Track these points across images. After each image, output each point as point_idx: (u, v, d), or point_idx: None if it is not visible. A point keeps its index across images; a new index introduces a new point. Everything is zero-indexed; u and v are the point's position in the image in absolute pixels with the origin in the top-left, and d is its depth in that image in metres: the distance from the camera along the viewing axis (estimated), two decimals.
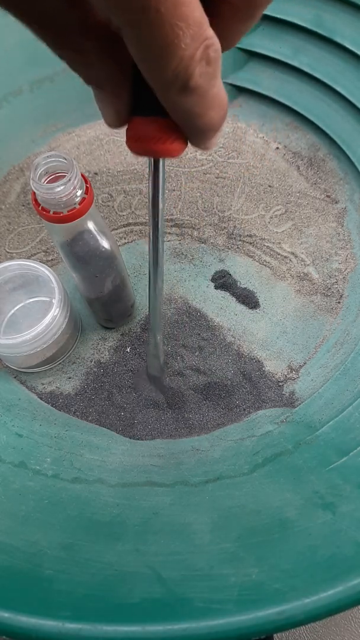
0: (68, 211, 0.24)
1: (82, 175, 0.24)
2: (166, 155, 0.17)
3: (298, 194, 0.41)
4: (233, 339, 0.35)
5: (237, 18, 0.15)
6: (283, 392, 0.33)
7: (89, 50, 0.15)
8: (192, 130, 0.16)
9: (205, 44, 0.12)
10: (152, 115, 0.16)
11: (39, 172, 0.23)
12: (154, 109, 0.16)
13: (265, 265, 0.38)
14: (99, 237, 0.27)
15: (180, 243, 0.39)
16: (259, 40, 0.42)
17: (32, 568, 0.20)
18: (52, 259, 0.39)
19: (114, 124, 0.17)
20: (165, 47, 0.12)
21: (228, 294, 0.37)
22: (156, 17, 0.11)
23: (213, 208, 0.41)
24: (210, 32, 0.12)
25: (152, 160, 0.19)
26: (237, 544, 0.21)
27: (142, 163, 0.43)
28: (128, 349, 0.35)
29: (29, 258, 0.39)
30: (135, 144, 0.17)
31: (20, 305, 0.35)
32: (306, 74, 0.41)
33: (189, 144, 0.17)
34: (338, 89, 0.40)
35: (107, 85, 0.16)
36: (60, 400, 0.33)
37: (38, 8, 0.13)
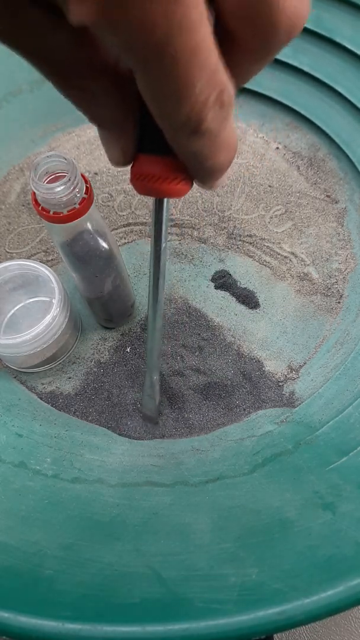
0: (68, 211, 0.24)
1: (82, 175, 0.24)
2: (171, 196, 0.17)
3: (298, 194, 0.41)
4: (233, 339, 0.35)
5: (251, 60, 0.14)
6: (283, 392, 0.33)
7: (96, 90, 0.14)
8: (199, 171, 0.16)
9: (219, 89, 0.12)
10: (158, 154, 0.16)
11: (39, 172, 0.23)
12: (161, 148, 0.15)
13: (265, 265, 0.38)
14: (98, 237, 0.27)
15: (180, 243, 0.39)
16: None
17: (32, 568, 0.20)
18: (52, 259, 0.39)
19: (119, 162, 0.17)
20: (179, 91, 0.12)
21: (228, 294, 0.37)
22: (172, 63, 0.11)
23: (213, 208, 0.41)
24: (225, 77, 0.12)
25: (156, 199, 0.19)
26: (237, 544, 0.21)
27: None
28: (128, 349, 0.35)
29: (29, 258, 0.39)
30: (140, 183, 0.17)
31: (20, 305, 0.35)
32: (306, 74, 0.41)
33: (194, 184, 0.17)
34: (338, 89, 0.40)
35: (113, 125, 0.16)
36: (60, 400, 0.33)
37: (44, 47, 0.13)
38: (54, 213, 0.24)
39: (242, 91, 0.45)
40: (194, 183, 0.17)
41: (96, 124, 0.16)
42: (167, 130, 0.13)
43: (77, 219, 0.24)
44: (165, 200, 0.19)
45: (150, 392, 0.30)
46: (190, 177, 0.16)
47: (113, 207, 0.41)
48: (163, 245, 0.20)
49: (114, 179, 0.42)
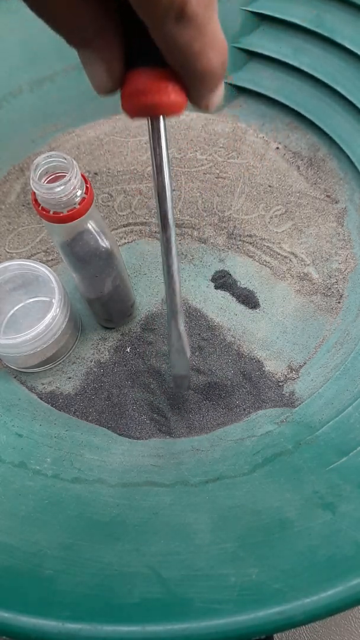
0: (68, 211, 0.24)
1: (82, 175, 0.24)
2: (165, 110, 0.16)
3: (298, 194, 0.41)
4: (233, 339, 0.35)
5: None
6: (283, 392, 0.33)
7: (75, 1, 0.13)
8: (191, 75, 0.15)
9: None
10: (147, 66, 0.15)
11: (39, 172, 0.23)
12: (149, 59, 0.14)
13: (265, 265, 0.38)
14: (99, 237, 0.27)
15: (180, 243, 0.39)
16: (259, 40, 0.42)
17: (32, 568, 0.20)
18: (52, 259, 0.39)
19: (107, 85, 0.16)
20: None
21: (228, 294, 0.37)
22: None
23: (213, 208, 0.41)
24: None
25: (151, 122, 0.17)
26: (237, 544, 0.21)
27: (142, 163, 0.43)
28: (128, 349, 0.35)
29: (29, 258, 0.39)
30: (131, 101, 0.16)
31: (20, 305, 0.35)
32: (306, 74, 0.41)
33: (191, 105, 0.16)
34: (338, 89, 0.40)
35: (96, 38, 0.15)
36: (60, 400, 0.33)
37: None
38: (54, 213, 0.24)
39: (242, 91, 0.45)
40: (190, 101, 0.16)
41: (77, 43, 0.15)
42: (153, 22, 0.13)
43: (77, 219, 0.24)
44: (162, 120, 0.17)
45: (179, 346, 0.24)
46: (183, 88, 0.16)
47: (113, 207, 0.41)
48: (167, 173, 0.18)
49: (114, 179, 0.42)
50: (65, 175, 0.23)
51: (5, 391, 0.33)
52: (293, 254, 0.39)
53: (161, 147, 0.18)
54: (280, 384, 0.34)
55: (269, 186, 0.42)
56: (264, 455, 0.28)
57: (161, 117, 0.17)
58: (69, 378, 0.34)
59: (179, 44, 0.13)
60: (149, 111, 0.16)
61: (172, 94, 0.16)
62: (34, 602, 0.18)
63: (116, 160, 0.43)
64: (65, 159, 0.23)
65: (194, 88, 0.16)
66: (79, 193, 0.24)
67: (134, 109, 0.16)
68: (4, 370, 0.34)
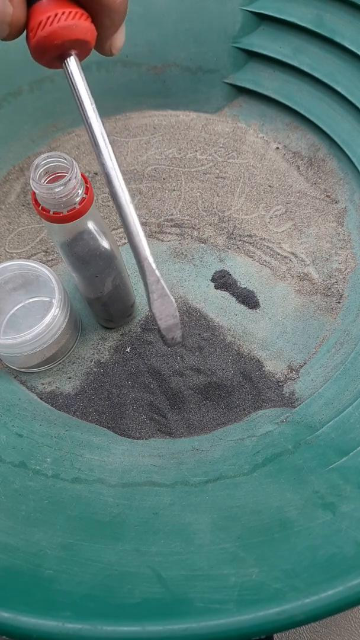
0: (68, 211, 0.24)
1: (82, 175, 0.24)
2: (74, 36, 0.16)
3: (298, 194, 0.41)
4: (233, 339, 0.35)
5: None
6: (283, 392, 0.33)
7: None
8: (97, 9, 0.15)
9: None
10: None
11: (39, 172, 0.23)
12: None
13: (265, 265, 0.38)
14: (99, 237, 0.27)
15: (180, 243, 0.39)
16: (259, 40, 0.42)
17: (33, 568, 0.20)
18: (52, 259, 0.39)
19: (11, 22, 0.16)
20: None
21: (228, 294, 0.37)
22: None
23: (213, 208, 0.41)
24: None
25: (65, 64, 0.18)
26: (238, 544, 0.21)
27: (142, 163, 0.43)
28: (128, 349, 0.35)
29: (29, 258, 0.39)
30: (39, 36, 0.16)
31: (20, 305, 0.35)
32: (306, 74, 0.41)
33: (97, 52, 0.17)
34: (338, 89, 0.40)
35: None
36: (60, 400, 0.33)
37: None
38: (54, 213, 0.24)
39: (242, 91, 0.45)
40: (96, 48, 0.17)
41: None
42: None
43: (77, 219, 0.24)
44: (74, 60, 0.18)
45: (158, 290, 0.21)
46: (87, 14, 0.16)
47: (113, 207, 0.41)
48: (92, 114, 0.18)
49: None
50: (65, 175, 0.23)
51: (5, 391, 0.33)
52: (293, 254, 0.39)
53: (78, 90, 0.18)
54: (280, 384, 0.34)
55: (269, 186, 0.42)
56: (264, 455, 0.28)
57: (72, 58, 0.18)
58: (69, 378, 0.34)
59: None
60: (59, 40, 0.16)
61: (77, 17, 0.16)
62: (34, 602, 0.18)
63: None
64: (65, 159, 0.23)
65: (100, 25, 0.16)
66: (79, 193, 0.24)
67: (42, 45, 0.16)
68: (4, 370, 0.34)
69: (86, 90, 0.18)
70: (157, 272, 0.21)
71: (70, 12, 0.16)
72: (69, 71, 0.18)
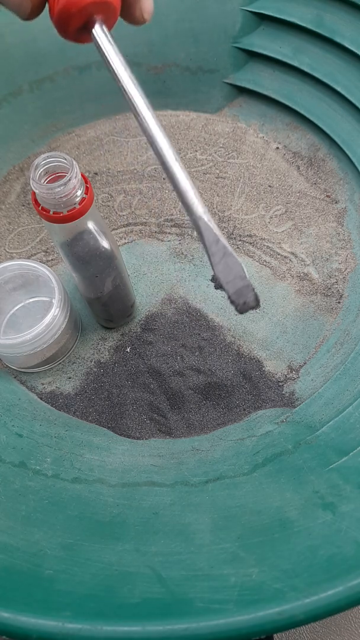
0: (68, 211, 0.24)
1: (82, 175, 0.24)
2: (98, 7, 0.16)
3: (298, 194, 0.41)
4: (233, 339, 0.35)
5: None
6: (283, 392, 0.33)
7: None
8: None
9: None
10: None
11: (39, 172, 0.23)
12: None
13: (265, 265, 0.38)
14: (99, 237, 0.27)
15: (180, 243, 0.39)
16: (259, 40, 0.42)
17: (33, 568, 0.20)
18: (52, 259, 0.39)
19: (31, 1, 0.16)
20: None
21: None
22: None
23: (213, 208, 0.41)
24: None
25: (93, 34, 0.17)
26: (238, 544, 0.21)
27: (142, 163, 0.43)
28: (128, 349, 0.35)
29: (29, 258, 0.39)
30: (58, 7, 0.16)
31: (20, 305, 0.35)
32: (306, 74, 0.41)
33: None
34: (338, 89, 0.40)
35: None
36: (60, 400, 0.33)
37: None
38: (54, 213, 0.24)
39: (242, 91, 0.45)
40: (124, 16, 0.16)
41: None
42: None
43: (77, 219, 0.24)
44: (101, 28, 0.17)
45: (219, 250, 0.19)
46: None
47: (113, 207, 0.41)
48: (126, 77, 0.17)
49: (114, 179, 0.42)
50: (65, 175, 0.23)
51: (5, 391, 0.33)
52: (293, 254, 0.39)
53: (110, 58, 0.17)
54: (280, 384, 0.34)
55: (269, 186, 0.42)
56: (264, 455, 0.28)
57: (98, 26, 0.17)
58: (69, 378, 0.34)
59: None
60: (81, 3, 0.16)
61: None
62: (34, 602, 0.18)
63: (116, 160, 0.43)
64: (65, 159, 0.23)
65: None
66: (79, 193, 0.23)
67: (65, 14, 0.16)
68: (4, 370, 0.34)
69: (118, 57, 0.17)
70: (215, 230, 0.19)
71: None
72: (97, 40, 0.17)
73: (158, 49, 0.43)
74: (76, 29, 0.17)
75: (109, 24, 0.18)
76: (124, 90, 0.17)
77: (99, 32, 0.17)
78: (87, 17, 0.17)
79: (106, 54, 0.17)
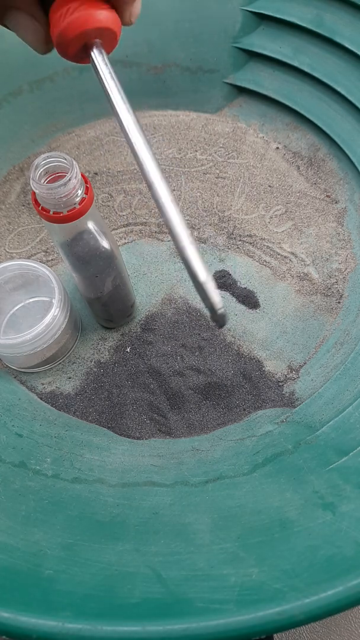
0: (68, 211, 0.24)
1: (82, 175, 0.24)
2: (93, 24, 0.16)
3: (298, 194, 0.41)
4: (233, 339, 0.35)
5: None
6: (283, 392, 0.33)
7: None
8: None
9: None
10: None
11: (39, 172, 0.23)
12: None
13: (265, 265, 0.38)
14: (99, 237, 0.27)
15: None
16: (259, 40, 0.42)
17: (32, 568, 0.20)
18: (52, 259, 0.39)
19: (45, 38, 0.17)
20: None
21: (228, 294, 0.37)
22: None
23: (213, 208, 0.41)
24: None
25: (92, 55, 0.17)
26: (238, 544, 0.21)
27: None
28: (128, 349, 0.35)
29: (29, 258, 0.39)
30: (58, 30, 0.16)
31: (20, 305, 0.35)
32: (306, 74, 0.41)
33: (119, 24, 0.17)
34: (338, 89, 0.40)
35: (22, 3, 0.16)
36: (60, 400, 0.33)
37: None
38: (54, 213, 0.24)
39: (242, 91, 0.45)
40: (120, 16, 0.17)
41: (7, 18, 0.17)
42: None
43: (77, 219, 0.24)
44: (99, 50, 0.17)
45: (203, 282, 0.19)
46: (107, 5, 0.16)
47: (113, 207, 0.41)
48: (122, 104, 0.18)
49: (114, 179, 0.42)
50: (65, 175, 0.23)
51: (5, 391, 0.33)
52: (293, 254, 0.39)
53: (105, 82, 0.17)
54: (280, 384, 0.34)
55: (269, 186, 0.42)
56: (264, 455, 0.28)
57: (96, 49, 0.17)
58: (69, 378, 0.34)
59: None
60: (81, 27, 0.16)
61: (100, 10, 0.16)
62: (34, 602, 0.18)
63: (116, 160, 0.43)
64: (65, 159, 0.23)
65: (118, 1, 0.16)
66: (79, 193, 0.23)
67: (64, 36, 0.16)
68: (4, 370, 0.34)
69: (114, 81, 0.18)
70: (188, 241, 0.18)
71: (88, 1, 0.16)
72: (94, 63, 0.18)
73: (158, 49, 0.43)
74: (75, 51, 0.18)
75: (110, 47, 0.18)
76: (117, 116, 0.18)
77: (96, 55, 0.18)
78: (86, 41, 0.17)
79: (102, 77, 0.18)
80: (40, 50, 0.18)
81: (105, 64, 0.18)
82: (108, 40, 0.18)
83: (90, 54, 0.18)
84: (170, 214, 0.17)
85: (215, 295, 0.19)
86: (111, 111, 0.18)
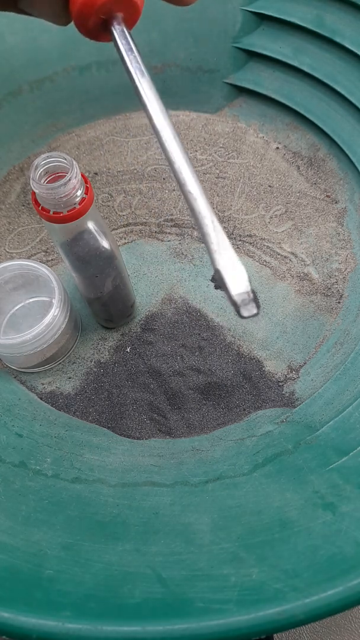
0: (68, 211, 0.24)
1: (82, 175, 0.24)
2: (120, 8, 0.15)
3: (298, 194, 0.41)
4: (233, 339, 0.35)
5: None
6: (283, 392, 0.33)
7: None
8: None
9: None
10: None
11: (39, 172, 0.23)
12: None
13: (265, 265, 0.38)
14: (99, 237, 0.27)
15: (180, 243, 0.39)
16: (259, 40, 0.42)
17: (33, 568, 0.20)
18: (52, 259, 0.39)
19: (62, 11, 0.16)
20: None
21: None
22: None
23: (213, 208, 0.41)
24: None
25: (112, 32, 0.16)
26: (238, 544, 0.21)
27: (142, 163, 0.43)
28: (128, 349, 0.35)
29: (29, 258, 0.39)
30: (77, 4, 0.15)
31: (20, 305, 0.35)
32: (306, 74, 0.41)
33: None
34: (338, 89, 0.40)
35: None
36: (60, 400, 0.33)
37: None
38: (54, 213, 0.24)
39: (242, 91, 0.45)
40: None
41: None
42: None
43: (77, 219, 0.24)
44: (118, 27, 0.16)
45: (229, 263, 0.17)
46: None
47: (113, 207, 0.41)
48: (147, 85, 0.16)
49: (114, 179, 0.42)
50: (65, 175, 0.23)
51: (5, 391, 0.33)
52: (293, 254, 0.39)
53: (126, 60, 0.16)
54: (280, 384, 0.34)
55: (269, 186, 0.42)
56: (264, 455, 0.28)
57: (117, 25, 0.16)
58: (69, 378, 0.34)
59: None
60: (104, 7, 0.15)
61: None
62: (34, 602, 0.18)
63: (116, 160, 0.43)
64: (65, 159, 0.23)
65: None
66: (79, 193, 0.23)
67: (83, 9, 0.15)
68: (4, 370, 0.34)
69: (137, 59, 0.17)
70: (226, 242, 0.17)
71: None
72: (115, 39, 0.17)
73: (158, 49, 0.43)
74: (95, 27, 0.17)
75: (132, 22, 0.17)
76: (139, 93, 0.17)
77: (117, 31, 0.17)
78: (106, 15, 0.16)
79: (123, 55, 0.17)
80: (60, 21, 0.17)
81: (128, 41, 0.17)
82: (130, 12, 0.17)
83: (111, 29, 0.17)
84: (196, 196, 0.17)
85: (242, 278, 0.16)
86: (132, 90, 0.17)
